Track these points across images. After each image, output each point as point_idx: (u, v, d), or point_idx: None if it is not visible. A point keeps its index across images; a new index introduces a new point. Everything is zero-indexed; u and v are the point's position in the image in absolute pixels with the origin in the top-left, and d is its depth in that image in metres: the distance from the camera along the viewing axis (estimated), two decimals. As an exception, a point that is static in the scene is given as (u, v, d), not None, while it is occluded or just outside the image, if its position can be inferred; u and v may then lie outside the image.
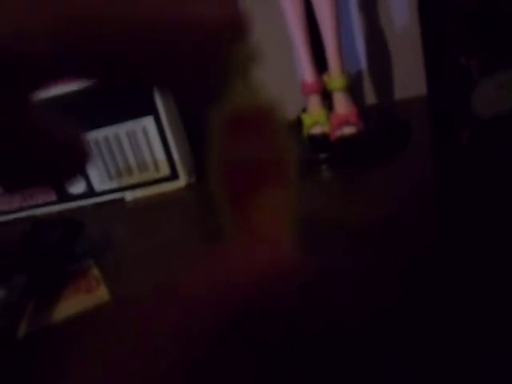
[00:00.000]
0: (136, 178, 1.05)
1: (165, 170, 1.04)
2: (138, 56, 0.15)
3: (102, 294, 0.68)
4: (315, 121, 0.99)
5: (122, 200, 1.07)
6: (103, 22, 0.14)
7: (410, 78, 1.17)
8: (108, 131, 1.03)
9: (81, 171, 0.18)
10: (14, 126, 0.15)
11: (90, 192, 1.08)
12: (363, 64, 1.25)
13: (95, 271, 0.73)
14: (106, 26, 0.14)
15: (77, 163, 0.17)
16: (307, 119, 1.01)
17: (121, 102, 1.00)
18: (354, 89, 1.03)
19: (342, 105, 0.97)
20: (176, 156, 1.02)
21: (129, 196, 1.07)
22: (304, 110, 1.03)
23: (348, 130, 0.96)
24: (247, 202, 0.15)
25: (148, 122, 1.01)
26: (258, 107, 0.16)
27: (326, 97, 1.01)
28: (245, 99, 0.16)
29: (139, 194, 1.06)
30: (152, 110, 1.00)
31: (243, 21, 0.17)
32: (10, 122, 0.15)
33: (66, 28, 0.14)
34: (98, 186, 1.07)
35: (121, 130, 1.02)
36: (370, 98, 1.26)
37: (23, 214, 1.09)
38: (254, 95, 0.16)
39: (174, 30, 0.15)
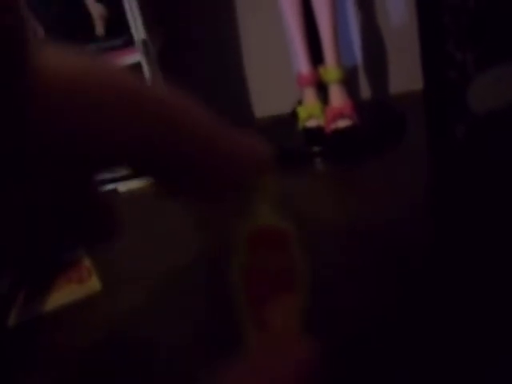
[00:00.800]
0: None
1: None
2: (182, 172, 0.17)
3: (93, 284, 0.68)
4: (310, 113, 0.99)
5: (115, 191, 1.07)
6: (164, 145, 0.16)
7: (405, 73, 1.16)
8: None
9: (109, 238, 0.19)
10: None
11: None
12: (359, 58, 1.24)
13: (87, 262, 0.73)
14: (163, 149, 0.16)
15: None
16: (302, 112, 1.00)
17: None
18: (349, 83, 1.03)
19: (338, 97, 0.96)
20: (170, 147, 1.02)
21: (122, 187, 1.06)
22: (300, 103, 1.03)
23: (343, 123, 0.95)
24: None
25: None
26: (277, 228, 0.18)
27: (322, 90, 1.01)
28: (266, 221, 0.18)
29: (133, 185, 1.05)
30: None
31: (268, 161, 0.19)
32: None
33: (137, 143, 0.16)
34: (91, 176, 1.06)
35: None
36: (366, 92, 1.26)
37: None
38: (274, 219, 0.18)
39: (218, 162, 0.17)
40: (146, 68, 0.95)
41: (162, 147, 0.16)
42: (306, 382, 0.16)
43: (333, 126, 0.95)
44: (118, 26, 0.94)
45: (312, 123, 0.99)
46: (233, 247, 0.17)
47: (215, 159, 0.17)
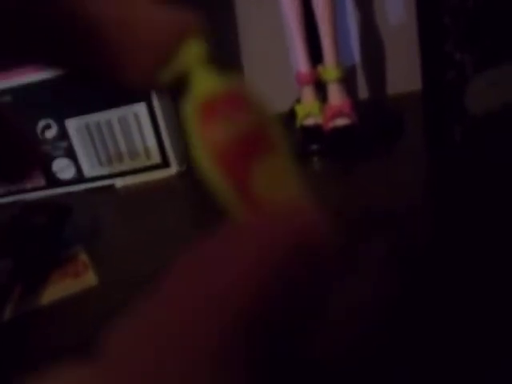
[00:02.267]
0: (126, 165, 1.05)
1: (156, 158, 1.03)
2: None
3: (89, 279, 0.67)
4: (308, 112, 0.99)
5: (111, 187, 1.06)
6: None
7: (404, 73, 1.16)
8: (99, 117, 1.02)
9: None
10: None
11: (80, 178, 1.07)
12: (357, 58, 1.24)
13: (83, 256, 0.73)
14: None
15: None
16: (300, 110, 1.00)
17: (113, 88, 0.99)
18: (348, 83, 1.03)
19: (336, 96, 0.97)
20: (167, 144, 1.02)
21: (119, 183, 1.06)
22: (298, 101, 1.03)
23: (341, 122, 0.95)
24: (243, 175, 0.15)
25: (140, 108, 1.00)
26: (229, 90, 0.16)
27: (320, 89, 1.01)
28: (208, 88, 0.16)
29: (129, 181, 1.05)
30: (144, 97, 0.99)
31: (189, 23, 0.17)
32: None
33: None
34: (87, 171, 1.06)
35: (113, 115, 1.01)
36: (364, 92, 1.26)
37: (10, 199, 1.08)
38: (218, 82, 0.16)
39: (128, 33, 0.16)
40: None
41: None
42: (313, 252, 0.13)
43: (331, 125, 0.95)
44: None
45: (310, 121, 0.99)
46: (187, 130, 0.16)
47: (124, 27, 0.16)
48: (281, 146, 0.15)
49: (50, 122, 1.03)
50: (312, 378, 0.41)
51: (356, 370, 0.43)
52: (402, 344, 0.45)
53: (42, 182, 1.07)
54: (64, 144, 1.04)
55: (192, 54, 0.17)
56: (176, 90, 0.17)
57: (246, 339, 0.12)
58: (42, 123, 1.03)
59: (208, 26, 0.19)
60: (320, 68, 0.99)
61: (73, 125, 1.03)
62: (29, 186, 1.07)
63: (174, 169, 1.03)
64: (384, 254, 0.61)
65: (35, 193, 1.07)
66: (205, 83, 0.16)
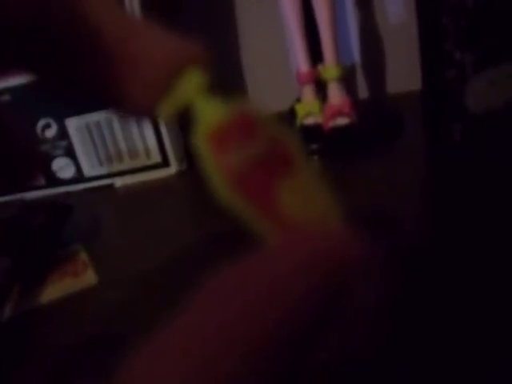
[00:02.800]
0: (126, 164, 1.05)
1: (156, 157, 1.03)
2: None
3: (89, 278, 0.67)
4: (308, 111, 0.99)
5: (111, 186, 1.06)
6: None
7: (403, 73, 1.16)
8: (99, 116, 1.02)
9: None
10: None
11: (80, 177, 1.07)
12: (357, 58, 1.24)
13: (83, 255, 0.73)
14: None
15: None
16: (300, 109, 1.00)
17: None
18: (347, 82, 1.03)
19: (336, 95, 0.97)
20: (167, 143, 1.02)
21: (119, 182, 1.06)
22: (298, 101, 1.03)
23: (341, 121, 0.95)
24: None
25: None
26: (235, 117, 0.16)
27: (320, 88, 1.01)
28: (215, 116, 0.16)
29: (129, 180, 1.05)
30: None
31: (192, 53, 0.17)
32: None
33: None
34: (87, 171, 1.06)
35: (112, 115, 1.01)
36: (364, 91, 1.26)
37: (10, 198, 1.08)
38: (222, 110, 0.16)
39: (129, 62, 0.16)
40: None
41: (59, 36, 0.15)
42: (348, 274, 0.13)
43: (331, 124, 0.95)
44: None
45: (310, 121, 0.99)
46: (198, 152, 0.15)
47: (124, 59, 0.16)
48: (300, 159, 0.15)
49: (50, 121, 1.03)
50: (319, 379, 0.41)
51: (361, 371, 0.43)
52: (404, 344, 0.45)
53: (41, 181, 1.07)
54: (64, 143, 1.04)
55: (192, 84, 0.16)
56: (182, 121, 0.17)
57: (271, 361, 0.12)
58: (41, 122, 1.03)
59: (211, 51, 0.18)
60: (320, 67, 0.99)
61: (73, 124, 1.03)
62: (28, 184, 1.07)
63: (173, 168, 1.03)
64: (384, 254, 0.61)
65: (35, 192, 1.07)
66: (209, 113, 0.16)
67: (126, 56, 0.16)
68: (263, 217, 0.14)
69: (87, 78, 0.16)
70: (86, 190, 1.07)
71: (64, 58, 0.16)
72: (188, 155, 1.06)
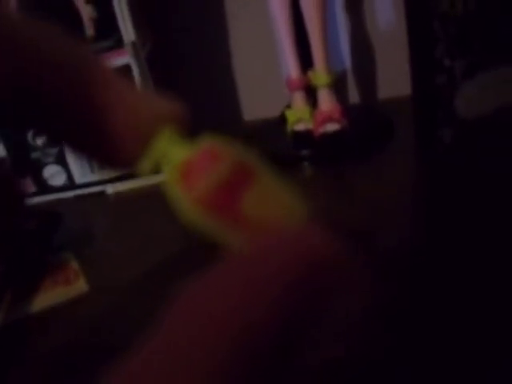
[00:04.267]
0: (117, 171, 1.04)
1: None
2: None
3: (80, 286, 0.67)
4: (299, 117, 0.99)
5: (102, 193, 1.06)
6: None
7: (394, 78, 1.17)
8: (90, 123, 1.01)
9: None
10: None
11: (71, 184, 1.06)
12: (348, 63, 1.25)
13: (74, 263, 0.73)
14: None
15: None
16: (291, 116, 1.00)
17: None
18: (338, 88, 1.03)
19: (326, 101, 0.97)
20: (158, 150, 1.02)
21: (110, 189, 1.05)
22: (289, 107, 1.03)
23: (331, 127, 0.96)
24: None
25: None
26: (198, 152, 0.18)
27: (311, 94, 1.01)
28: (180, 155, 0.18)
29: (120, 187, 1.05)
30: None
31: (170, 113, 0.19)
32: None
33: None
34: (78, 178, 1.06)
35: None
36: (355, 97, 1.26)
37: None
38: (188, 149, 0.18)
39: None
40: (135, 70, 0.95)
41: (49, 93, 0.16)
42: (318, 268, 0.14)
43: (321, 130, 0.96)
44: (107, 27, 0.93)
45: (300, 127, 1.00)
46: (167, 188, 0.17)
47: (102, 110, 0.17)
48: (260, 173, 0.17)
49: (41, 128, 1.03)
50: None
51: (354, 377, 0.43)
52: (404, 346, 0.45)
53: (32, 188, 1.07)
54: (55, 151, 1.04)
55: (166, 139, 0.18)
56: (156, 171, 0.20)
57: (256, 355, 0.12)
58: (32, 130, 1.03)
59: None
60: (310, 73, 0.99)
61: (63, 131, 1.03)
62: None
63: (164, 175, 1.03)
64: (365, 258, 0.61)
65: (26, 199, 1.07)
66: (177, 154, 0.18)
67: (107, 102, 0.17)
68: (232, 228, 0.16)
69: (71, 127, 0.17)
70: (77, 197, 1.07)
71: (47, 110, 0.17)
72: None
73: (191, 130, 0.19)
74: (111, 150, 0.18)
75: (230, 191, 0.16)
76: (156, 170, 0.19)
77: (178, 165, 0.18)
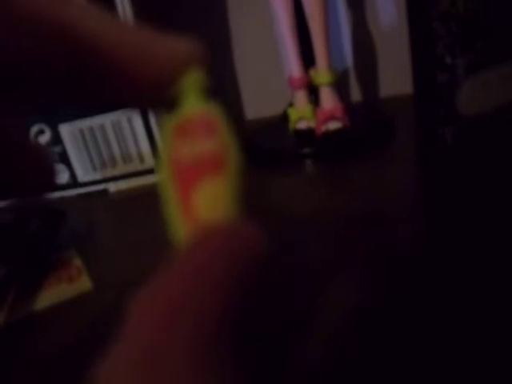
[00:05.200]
0: (120, 170, 1.05)
1: (149, 162, 1.04)
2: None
3: (83, 283, 0.67)
4: (301, 116, 0.99)
5: (105, 191, 1.06)
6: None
7: (395, 76, 1.17)
8: (93, 121, 1.02)
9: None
10: None
11: (73, 182, 1.07)
12: (350, 62, 1.25)
13: (77, 261, 0.73)
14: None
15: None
16: (293, 114, 1.01)
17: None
18: (340, 86, 1.04)
19: (329, 100, 0.97)
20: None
21: (112, 187, 1.06)
22: (291, 105, 1.03)
23: (333, 125, 0.96)
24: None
25: (134, 112, 1.00)
26: (203, 116, 0.18)
27: (313, 92, 1.02)
28: (191, 110, 0.18)
29: (123, 185, 1.05)
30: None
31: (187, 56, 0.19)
32: None
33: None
34: (81, 176, 1.07)
35: (106, 120, 1.01)
36: (356, 95, 1.27)
37: (3, 204, 1.08)
38: (200, 108, 0.18)
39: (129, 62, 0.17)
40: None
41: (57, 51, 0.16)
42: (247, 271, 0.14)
43: (323, 128, 0.96)
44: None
45: (303, 125, 1.00)
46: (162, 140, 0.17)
47: (125, 59, 0.17)
48: (233, 170, 0.17)
49: (43, 127, 1.03)
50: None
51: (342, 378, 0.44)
52: (397, 347, 0.46)
53: (35, 186, 1.07)
54: (57, 149, 1.05)
55: (189, 81, 0.18)
56: (167, 108, 0.19)
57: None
58: (35, 128, 1.03)
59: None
60: (312, 72, 0.99)
61: (66, 130, 1.03)
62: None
63: (167, 173, 1.04)
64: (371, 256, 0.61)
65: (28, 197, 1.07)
66: (189, 107, 0.18)
67: (128, 56, 0.17)
68: (179, 210, 0.16)
69: (95, 80, 0.17)
70: (79, 196, 1.07)
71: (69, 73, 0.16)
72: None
73: None
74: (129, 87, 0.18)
75: (198, 171, 0.16)
76: (169, 105, 0.19)
77: (181, 117, 0.18)
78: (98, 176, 1.06)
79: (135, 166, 1.04)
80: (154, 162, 1.03)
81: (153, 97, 0.18)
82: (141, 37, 0.18)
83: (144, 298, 0.15)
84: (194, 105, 0.18)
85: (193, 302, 0.13)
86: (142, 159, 1.03)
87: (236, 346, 0.13)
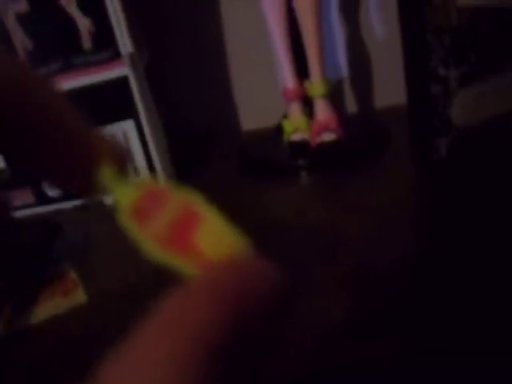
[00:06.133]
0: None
1: (144, 175, 1.04)
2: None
3: (78, 296, 0.67)
4: (296, 127, 1.00)
5: (101, 203, 1.06)
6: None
7: (390, 87, 1.18)
8: (88, 134, 1.02)
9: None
10: None
11: (69, 195, 1.07)
12: (344, 73, 1.25)
13: (73, 274, 0.73)
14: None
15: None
16: (288, 126, 1.01)
17: (101, 105, 1.00)
18: (334, 97, 1.04)
19: (323, 111, 0.98)
20: (156, 161, 1.02)
21: (108, 199, 1.06)
22: (285, 117, 1.04)
23: (328, 137, 0.96)
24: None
25: (128, 126, 1.00)
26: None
27: (307, 104, 1.02)
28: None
29: (119, 197, 1.05)
30: (132, 114, 0.99)
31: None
32: None
33: None
34: (77, 188, 1.06)
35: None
36: (351, 106, 1.27)
37: None
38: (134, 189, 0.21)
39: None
40: (132, 81, 0.96)
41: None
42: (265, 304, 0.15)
43: (318, 140, 0.96)
44: (105, 39, 0.94)
45: (297, 137, 1.00)
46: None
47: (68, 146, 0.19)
48: (208, 212, 0.18)
49: (39, 139, 1.03)
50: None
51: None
52: (393, 350, 0.46)
53: (31, 199, 1.07)
54: (53, 161, 1.05)
55: (108, 174, 0.21)
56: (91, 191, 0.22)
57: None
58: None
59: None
60: (307, 84, 1.00)
61: (62, 142, 1.03)
62: (18, 203, 1.07)
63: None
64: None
65: (24, 210, 1.07)
66: (124, 195, 0.21)
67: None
68: (188, 260, 0.18)
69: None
70: (75, 208, 1.07)
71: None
72: (177, 173, 1.07)
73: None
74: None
75: (184, 228, 0.18)
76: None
77: (125, 205, 0.21)
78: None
79: (130, 178, 1.04)
80: (149, 176, 1.03)
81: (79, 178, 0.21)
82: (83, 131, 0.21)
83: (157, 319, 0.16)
84: (127, 189, 0.21)
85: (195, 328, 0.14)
86: (137, 172, 1.03)
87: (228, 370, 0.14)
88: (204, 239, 0.18)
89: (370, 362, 0.46)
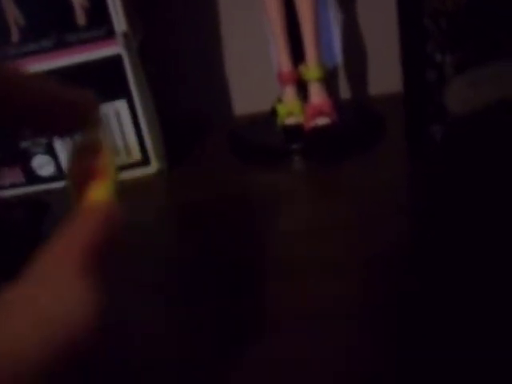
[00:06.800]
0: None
1: (136, 155, 1.03)
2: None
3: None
4: (290, 111, 0.99)
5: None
6: None
7: (385, 74, 1.17)
8: (80, 113, 1.01)
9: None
10: None
11: (59, 175, 1.06)
12: (340, 59, 1.25)
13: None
14: None
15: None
16: (282, 109, 1.00)
17: (94, 84, 0.98)
18: (330, 84, 1.03)
19: (317, 95, 0.97)
20: (148, 141, 1.01)
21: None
22: (279, 101, 1.03)
23: (322, 121, 0.96)
24: None
25: (121, 105, 0.99)
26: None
27: (302, 88, 1.01)
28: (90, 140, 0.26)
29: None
30: (125, 94, 0.98)
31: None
32: None
33: None
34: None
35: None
36: (346, 93, 1.27)
37: (-11, 195, 1.06)
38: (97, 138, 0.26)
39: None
40: (126, 60, 0.94)
41: None
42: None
43: (312, 124, 0.96)
44: (99, 16, 0.93)
45: (291, 121, 0.99)
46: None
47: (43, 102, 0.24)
48: (111, 177, 0.25)
49: (30, 118, 1.02)
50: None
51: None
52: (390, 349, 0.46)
53: (21, 178, 1.06)
54: (44, 141, 1.04)
55: (88, 120, 0.26)
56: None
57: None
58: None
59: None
60: (302, 67, 0.99)
61: (52, 121, 1.02)
62: (7, 182, 1.06)
63: (154, 167, 1.03)
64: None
65: (14, 189, 1.06)
66: (86, 136, 0.26)
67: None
68: (80, 199, 0.25)
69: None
70: (65, 188, 1.06)
71: None
72: (169, 154, 1.06)
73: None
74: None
75: (92, 178, 0.25)
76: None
77: (79, 146, 0.26)
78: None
79: (122, 159, 1.03)
80: (141, 155, 1.02)
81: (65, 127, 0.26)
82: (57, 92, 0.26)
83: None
84: (90, 135, 0.26)
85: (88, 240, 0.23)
86: (128, 152, 1.02)
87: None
88: (96, 188, 0.25)
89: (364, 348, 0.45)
